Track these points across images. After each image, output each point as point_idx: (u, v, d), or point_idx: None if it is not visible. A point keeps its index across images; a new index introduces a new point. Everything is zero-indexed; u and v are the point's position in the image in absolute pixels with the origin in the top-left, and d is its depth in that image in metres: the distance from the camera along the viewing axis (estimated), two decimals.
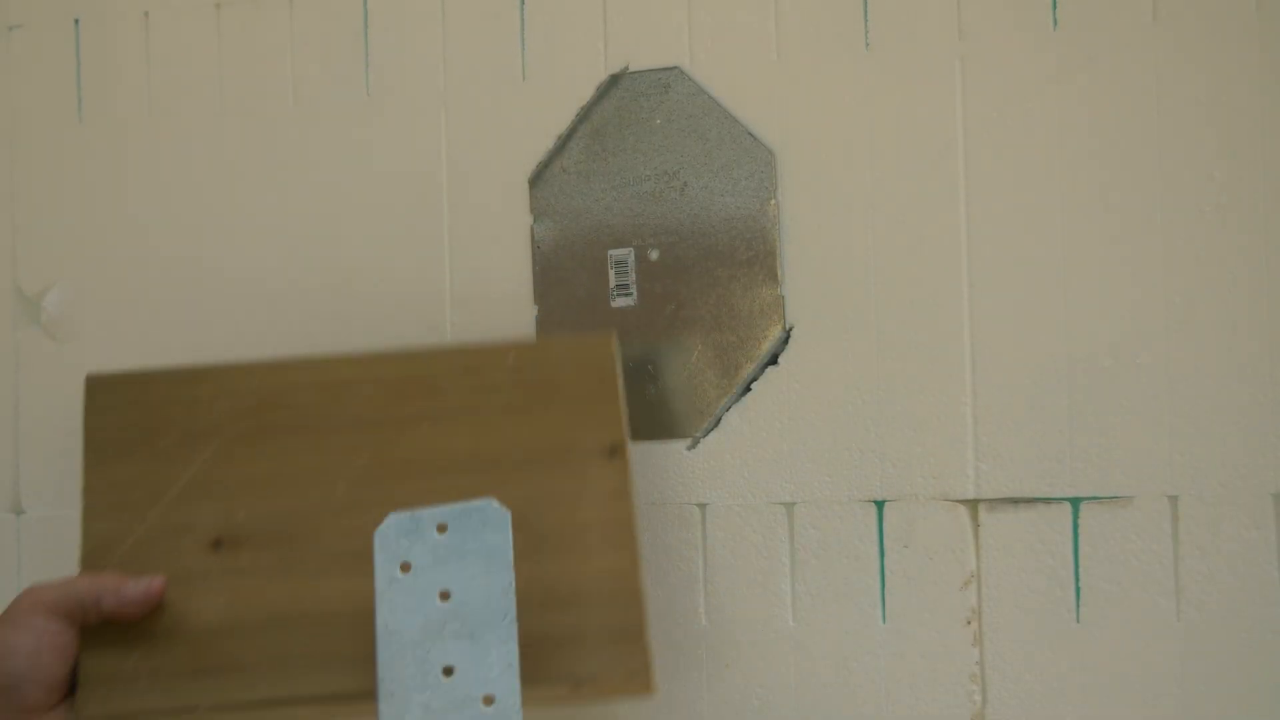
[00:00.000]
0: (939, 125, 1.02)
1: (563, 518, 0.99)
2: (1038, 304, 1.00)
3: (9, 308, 1.24)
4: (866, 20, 1.03)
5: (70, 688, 1.00)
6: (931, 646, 1.01)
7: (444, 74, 1.13)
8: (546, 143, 1.11)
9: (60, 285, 1.22)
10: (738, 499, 1.06)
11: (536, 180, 1.11)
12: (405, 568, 0.97)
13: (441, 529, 0.97)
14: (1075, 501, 0.99)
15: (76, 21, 1.23)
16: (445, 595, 0.96)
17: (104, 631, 1.01)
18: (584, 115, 1.10)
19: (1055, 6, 1.00)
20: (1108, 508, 0.98)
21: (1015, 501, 1.00)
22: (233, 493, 1.03)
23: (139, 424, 1.05)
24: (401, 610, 0.96)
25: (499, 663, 0.95)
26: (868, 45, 1.03)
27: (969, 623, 1.01)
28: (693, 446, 1.05)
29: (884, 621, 1.03)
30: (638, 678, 0.96)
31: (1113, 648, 0.98)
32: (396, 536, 0.98)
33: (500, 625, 0.96)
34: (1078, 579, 0.99)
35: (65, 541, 1.21)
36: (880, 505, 1.03)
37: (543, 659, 0.97)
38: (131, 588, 0.99)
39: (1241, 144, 0.96)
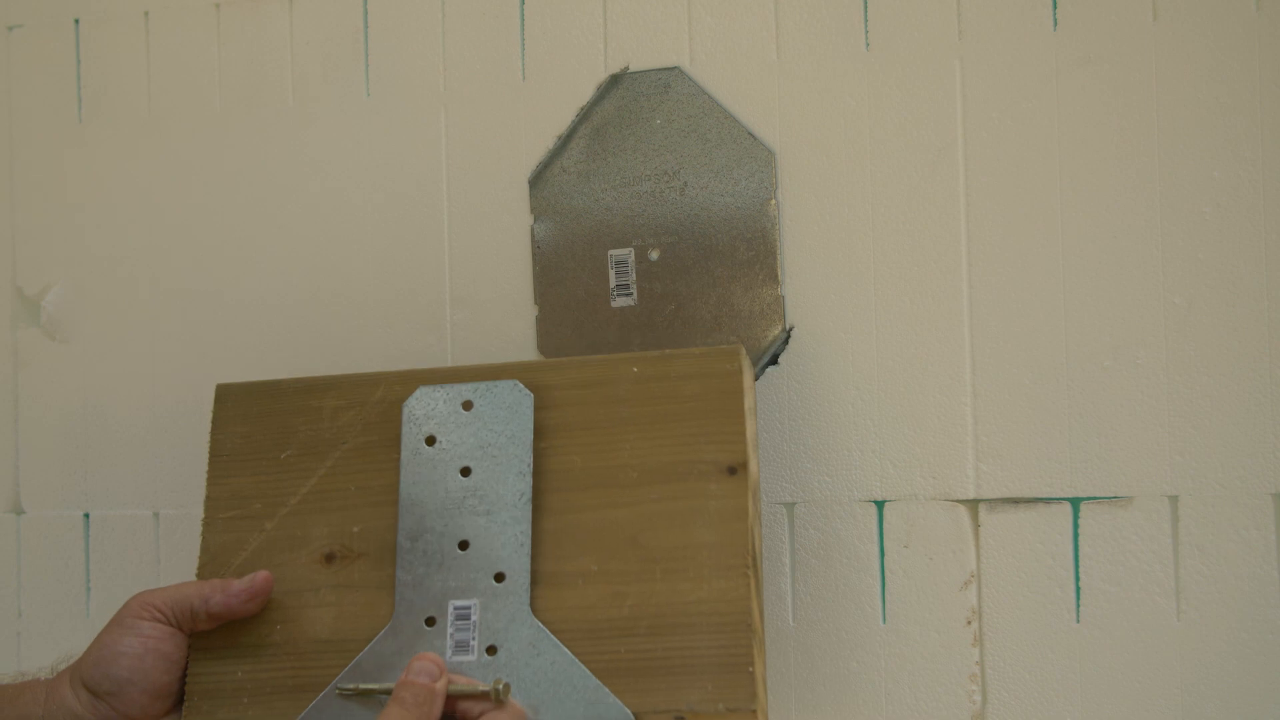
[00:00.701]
0: (939, 125, 1.02)
1: (676, 538, 0.95)
2: (1038, 304, 1.00)
3: (9, 308, 1.24)
4: (866, 20, 1.03)
5: (178, 698, 0.99)
6: (931, 646, 1.01)
7: (444, 74, 1.13)
8: (546, 143, 1.11)
9: (60, 285, 1.22)
10: None
11: (536, 180, 1.11)
12: (430, 441, 0.99)
13: (467, 406, 0.99)
14: (1075, 501, 0.99)
15: (76, 21, 1.23)
16: (466, 471, 0.98)
17: (213, 644, 1.00)
18: (584, 115, 1.10)
19: (1055, 6, 1.00)
20: (1108, 508, 0.98)
21: (1015, 501, 1.00)
22: (349, 505, 1.01)
23: (263, 435, 1.04)
24: (424, 482, 0.99)
25: (512, 541, 0.96)
26: (868, 45, 1.03)
27: (969, 623, 1.01)
28: None
29: (884, 621, 1.03)
30: (741, 714, 0.91)
31: (1113, 648, 0.98)
32: (424, 410, 0.99)
33: (516, 505, 0.97)
34: (1078, 579, 0.99)
35: (65, 542, 1.21)
36: (880, 505, 1.03)
37: (648, 686, 0.93)
38: (237, 582, 0.98)
39: (1241, 144, 0.96)
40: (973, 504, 1.01)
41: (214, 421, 1.05)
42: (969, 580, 1.01)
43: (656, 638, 0.93)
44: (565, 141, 1.10)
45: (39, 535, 1.22)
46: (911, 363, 1.02)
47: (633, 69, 1.09)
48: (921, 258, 1.02)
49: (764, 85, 1.06)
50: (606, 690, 0.93)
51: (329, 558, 1.00)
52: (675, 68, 1.08)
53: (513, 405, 0.99)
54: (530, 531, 0.96)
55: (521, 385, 0.98)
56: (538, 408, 0.99)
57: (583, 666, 0.93)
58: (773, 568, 1.05)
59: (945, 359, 1.01)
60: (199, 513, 1.17)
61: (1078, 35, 0.99)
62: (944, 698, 1.01)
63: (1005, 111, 1.01)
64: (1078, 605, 0.99)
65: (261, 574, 0.99)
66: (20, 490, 1.23)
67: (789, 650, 1.04)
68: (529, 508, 0.97)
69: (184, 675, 0.99)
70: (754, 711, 0.91)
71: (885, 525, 1.03)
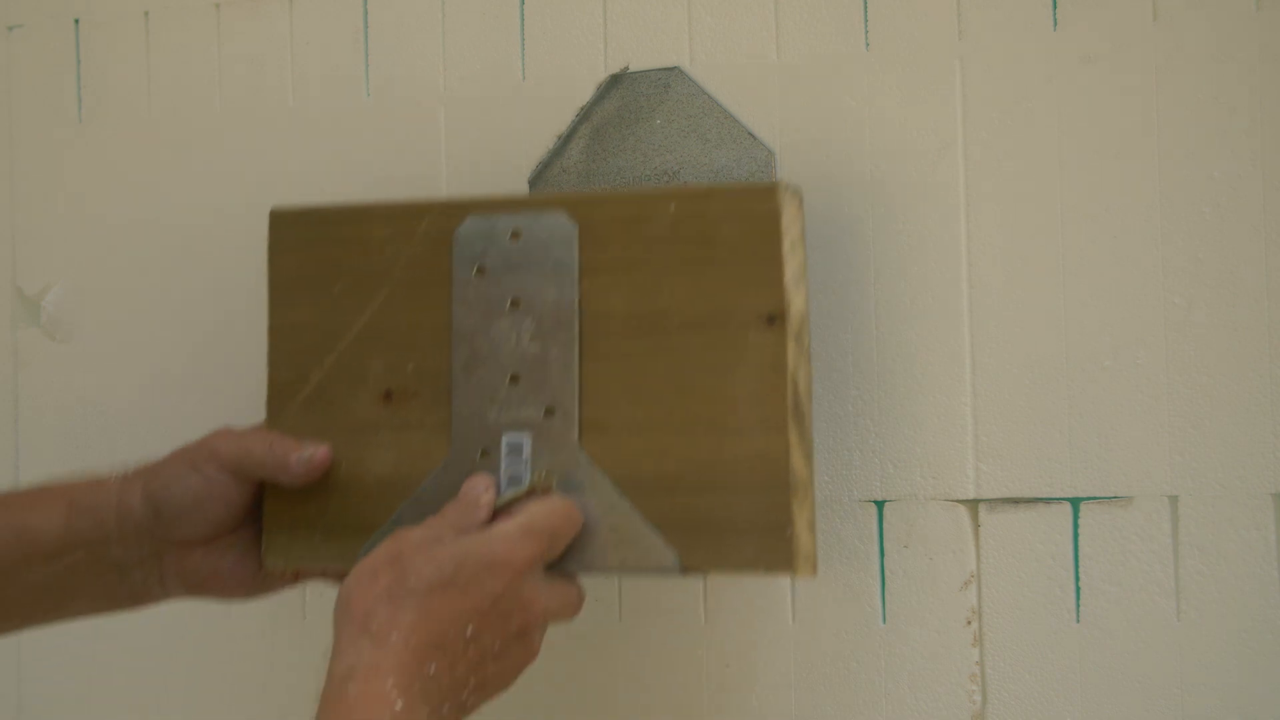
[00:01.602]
0: (939, 125, 1.02)
1: (717, 391, 0.94)
2: (1038, 304, 1.00)
3: (9, 308, 1.24)
4: (866, 20, 1.03)
5: (233, 527, 1.01)
6: (931, 646, 1.01)
7: (444, 74, 1.13)
8: (546, 143, 1.11)
9: (60, 285, 1.22)
10: None
11: (536, 180, 1.11)
12: (480, 271, 0.99)
13: (515, 236, 0.98)
14: (1075, 501, 0.99)
15: (76, 21, 1.23)
16: (516, 303, 0.98)
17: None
18: (584, 115, 1.10)
19: (1055, 6, 1.00)
20: (1108, 508, 0.98)
21: (1015, 501, 1.00)
22: (402, 343, 1.01)
23: (316, 266, 1.03)
24: (476, 314, 0.99)
25: (560, 375, 0.97)
26: (868, 45, 1.03)
27: (969, 623, 1.01)
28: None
29: (884, 621, 1.03)
30: (782, 569, 0.93)
31: (1113, 648, 0.98)
32: (473, 239, 0.99)
33: (564, 339, 0.97)
34: (1078, 579, 0.99)
35: None
36: (880, 505, 1.03)
37: (692, 543, 0.94)
38: (296, 460, 0.99)
39: (1241, 144, 0.96)
40: (973, 504, 1.01)
41: (270, 249, 1.05)
42: (969, 580, 1.01)
43: (700, 495, 0.94)
44: (565, 141, 1.10)
45: None
46: (911, 363, 1.02)
47: (633, 69, 1.09)
48: (921, 258, 1.02)
49: (764, 85, 1.06)
50: (653, 530, 0.94)
51: (387, 396, 1.01)
52: (675, 68, 1.08)
53: (559, 237, 0.98)
54: (578, 367, 0.97)
55: (567, 216, 0.98)
56: (592, 244, 0.98)
57: (631, 505, 0.95)
58: None
59: (945, 359, 1.01)
60: None
61: (1078, 35, 0.99)
62: (944, 698, 1.01)
63: (1005, 111, 1.00)
64: (1078, 605, 0.99)
65: (321, 452, 1.00)
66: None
67: (789, 650, 1.04)
68: (576, 343, 0.97)
69: (244, 512, 1.01)
70: (793, 570, 0.92)
71: (885, 525, 1.03)
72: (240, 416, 1.18)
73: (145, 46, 1.21)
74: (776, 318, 0.94)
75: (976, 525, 1.01)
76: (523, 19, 1.12)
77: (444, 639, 0.87)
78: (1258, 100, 0.96)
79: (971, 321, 1.01)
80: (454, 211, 1.00)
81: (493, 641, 0.89)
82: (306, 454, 1.00)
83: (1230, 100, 0.96)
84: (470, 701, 0.90)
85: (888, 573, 1.03)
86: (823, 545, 1.04)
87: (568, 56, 1.10)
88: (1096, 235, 0.99)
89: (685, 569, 0.94)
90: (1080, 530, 0.99)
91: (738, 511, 0.93)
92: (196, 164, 1.19)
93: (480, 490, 0.94)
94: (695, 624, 1.06)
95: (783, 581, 1.05)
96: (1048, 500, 1.00)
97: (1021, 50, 1.00)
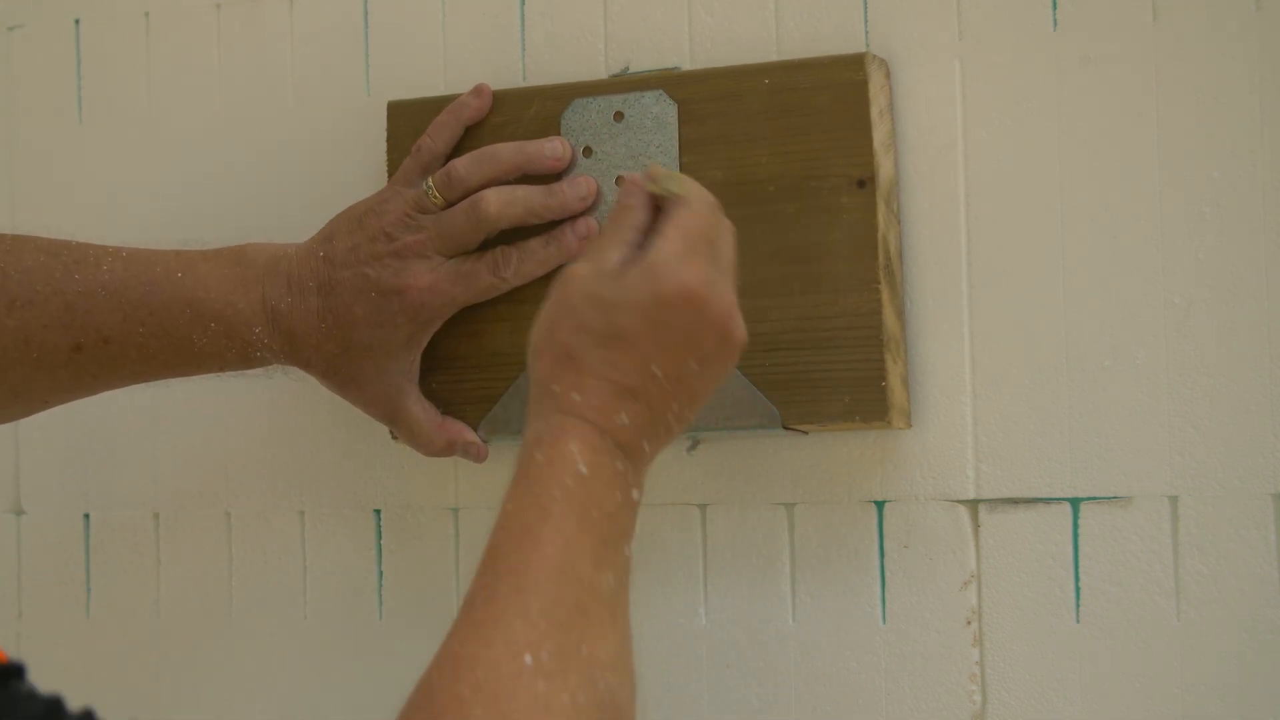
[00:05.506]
0: (939, 125, 1.02)
1: (813, 253, 0.99)
2: (1038, 304, 1.00)
3: None
4: (866, 20, 1.03)
5: None
6: (931, 646, 1.01)
7: (444, 74, 1.13)
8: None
9: None
10: (738, 499, 1.06)
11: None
12: (588, 152, 1.03)
13: (618, 117, 1.03)
14: (1075, 502, 0.99)
15: (76, 21, 1.23)
16: (622, 181, 1.00)
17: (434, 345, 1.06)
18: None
19: (1055, 6, 1.00)
20: (1108, 508, 0.98)
21: (1015, 502, 1.00)
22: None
23: None
24: None
25: None
26: (867, 45, 1.03)
27: (969, 623, 1.01)
28: (692, 448, 1.04)
29: (884, 622, 1.03)
30: (877, 420, 0.98)
31: (1113, 648, 0.98)
32: (579, 121, 1.04)
33: None
34: (1078, 579, 0.99)
35: (65, 542, 1.21)
36: (880, 505, 1.03)
37: (791, 398, 0.99)
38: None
39: (1241, 144, 0.96)
40: (973, 504, 1.01)
41: (389, 140, 1.09)
42: (969, 580, 1.01)
43: (797, 353, 0.99)
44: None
45: (39, 535, 1.22)
46: (911, 363, 1.02)
47: (633, 69, 1.09)
48: (921, 258, 1.02)
49: None
50: (755, 389, 0.99)
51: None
52: (675, 68, 1.08)
53: (659, 116, 1.02)
54: None
55: (666, 95, 1.02)
56: (690, 120, 1.02)
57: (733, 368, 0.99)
58: (773, 567, 1.05)
59: (946, 359, 1.01)
60: (199, 513, 1.17)
61: (1078, 35, 0.99)
62: (944, 698, 1.01)
63: (1005, 111, 1.00)
64: (1078, 605, 0.99)
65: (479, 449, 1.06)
66: (20, 490, 1.23)
67: (789, 650, 1.04)
68: None
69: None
70: (888, 422, 0.98)
71: (885, 525, 1.03)
72: (241, 412, 1.18)
73: (145, 46, 1.21)
74: (867, 182, 0.99)
75: (976, 525, 1.01)
76: (523, 19, 1.12)
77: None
78: (1258, 100, 0.96)
79: (971, 321, 1.01)
80: (560, 95, 1.05)
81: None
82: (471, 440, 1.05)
83: (1230, 100, 0.96)
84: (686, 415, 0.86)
85: (888, 573, 1.03)
86: (822, 545, 1.04)
87: (568, 56, 1.10)
88: (1096, 235, 0.99)
89: (786, 425, 0.99)
90: (1080, 530, 0.99)
91: (834, 367, 0.98)
92: (196, 164, 1.19)
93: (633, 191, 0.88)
94: (696, 624, 1.07)
95: (783, 582, 1.05)
96: (1048, 500, 1.00)
97: (1021, 50, 1.00)
